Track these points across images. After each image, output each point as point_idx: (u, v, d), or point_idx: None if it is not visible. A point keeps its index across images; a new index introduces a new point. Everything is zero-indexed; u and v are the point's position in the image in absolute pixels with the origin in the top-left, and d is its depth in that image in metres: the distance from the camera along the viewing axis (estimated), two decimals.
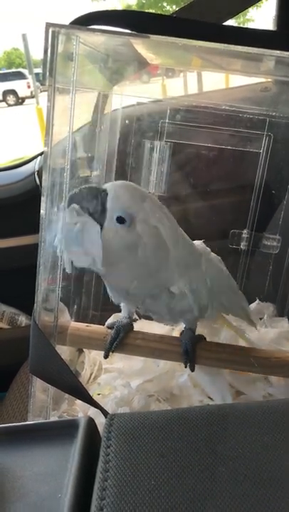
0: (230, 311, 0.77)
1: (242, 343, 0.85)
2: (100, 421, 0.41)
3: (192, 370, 0.73)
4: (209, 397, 0.79)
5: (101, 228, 0.59)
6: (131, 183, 0.65)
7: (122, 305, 0.78)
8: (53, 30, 0.54)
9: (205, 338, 0.77)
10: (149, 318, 0.99)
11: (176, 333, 0.83)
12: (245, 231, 1.01)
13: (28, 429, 0.42)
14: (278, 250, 1.00)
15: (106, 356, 0.74)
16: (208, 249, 0.75)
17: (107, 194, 0.60)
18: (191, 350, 0.73)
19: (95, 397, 0.76)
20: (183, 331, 0.76)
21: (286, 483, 0.32)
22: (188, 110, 0.94)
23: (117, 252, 0.61)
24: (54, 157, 0.61)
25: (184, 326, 0.77)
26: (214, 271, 0.72)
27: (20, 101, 13.14)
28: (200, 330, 0.78)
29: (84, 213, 0.59)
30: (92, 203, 0.59)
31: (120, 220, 0.59)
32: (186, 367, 0.73)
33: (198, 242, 0.75)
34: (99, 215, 0.60)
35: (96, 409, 0.62)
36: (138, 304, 0.71)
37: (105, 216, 0.60)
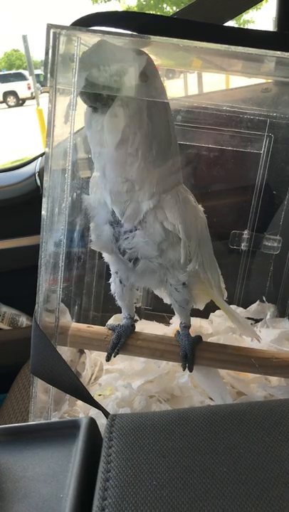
0: (208, 270, 0.73)
1: (242, 343, 0.85)
2: (101, 422, 0.41)
3: (190, 371, 0.74)
4: (210, 398, 0.79)
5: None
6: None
7: (121, 304, 0.78)
8: (54, 31, 0.54)
9: (202, 338, 0.77)
10: (149, 318, 0.99)
11: (172, 333, 0.83)
12: (245, 232, 1.01)
13: (30, 429, 0.42)
14: (279, 251, 1.00)
15: (108, 360, 0.74)
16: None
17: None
18: (191, 355, 0.73)
19: (96, 398, 0.76)
20: (178, 331, 0.77)
21: (287, 483, 0.32)
22: (188, 111, 0.94)
23: (137, 115, 0.59)
24: (55, 158, 0.61)
25: (180, 322, 0.77)
26: (203, 220, 0.71)
27: (20, 102, 13.15)
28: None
29: None
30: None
31: (144, 77, 0.58)
32: (184, 369, 0.74)
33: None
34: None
35: (97, 410, 0.62)
36: (132, 220, 0.65)
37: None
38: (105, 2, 10.51)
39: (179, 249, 0.66)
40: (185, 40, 0.55)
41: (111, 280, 0.77)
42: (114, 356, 0.74)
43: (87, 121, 0.61)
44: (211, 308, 0.83)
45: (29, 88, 12.19)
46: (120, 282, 0.75)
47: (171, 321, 0.97)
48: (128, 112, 0.58)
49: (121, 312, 0.79)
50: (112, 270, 0.75)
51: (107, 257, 0.74)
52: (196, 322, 0.94)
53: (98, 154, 0.62)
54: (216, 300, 0.79)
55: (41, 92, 8.21)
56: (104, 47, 0.56)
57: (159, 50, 0.67)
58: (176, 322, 0.95)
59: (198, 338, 0.77)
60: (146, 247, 0.66)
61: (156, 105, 0.61)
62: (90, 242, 0.71)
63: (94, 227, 0.70)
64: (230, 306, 1.03)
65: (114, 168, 0.62)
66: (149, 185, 0.63)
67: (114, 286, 0.77)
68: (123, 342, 0.74)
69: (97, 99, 0.57)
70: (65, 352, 0.83)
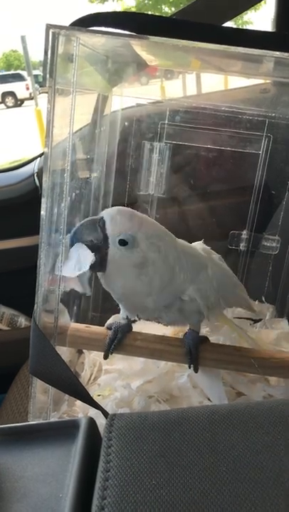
0: (234, 304, 0.79)
1: (242, 343, 0.84)
2: (100, 422, 0.41)
3: (196, 370, 0.73)
4: (209, 399, 0.79)
5: (106, 254, 0.64)
6: (124, 208, 0.68)
7: (120, 306, 0.78)
8: (53, 31, 0.54)
9: (208, 340, 0.77)
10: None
11: (180, 335, 0.83)
12: (244, 232, 1.01)
13: (29, 429, 0.42)
14: (278, 251, 1.00)
15: (106, 357, 0.74)
16: (209, 248, 0.76)
17: (104, 222, 0.64)
18: (195, 351, 0.73)
19: (95, 398, 0.76)
20: (186, 332, 0.77)
21: (286, 482, 0.32)
22: (187, 111, 0.94)
23: (128, 273, 0.65)
24: (54, 158, 0.61)
25: (188, 327, 0.77)
26: (218, 270, 0.74)
27: (19, 103, 13.13)
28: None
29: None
30: (93, 235, 0.64)
31: (122, 242, 0.63)
32: (189, 367, 0.73)
33: (198, 243, 0.75)
34: (103, 243, 0.64)
35: (96, 410, 0.62)
36: (153, 315, 0.73)
37: (108, 242, 0.63)
38: (102, 3, 10.51)
39: (196, 306, 0.71)
40: (184, 41, 0.55)
41: None
42: (112, 353, 0.74)
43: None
44: None
45: (27, 89, 12.17)
46: None
47: None
48: (121, 275, 0.66)
49: (120, 312, 0.79)
50: None
51: None
52: None
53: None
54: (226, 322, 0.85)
55: (40, 93, 8.20)
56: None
57: (158, 51, 0.68)
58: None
59: (205, 338, 0.77)
60: (164, 314, 0.72)
61: (149, 257, 0.65)
62: None
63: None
64: None
65: (124, 304, 0.73)
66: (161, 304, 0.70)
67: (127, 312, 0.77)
68: (120, 338, 0.74)
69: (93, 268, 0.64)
70: (64, 352, 0.83)
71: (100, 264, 0.64)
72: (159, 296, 0.68)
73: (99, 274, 0.67)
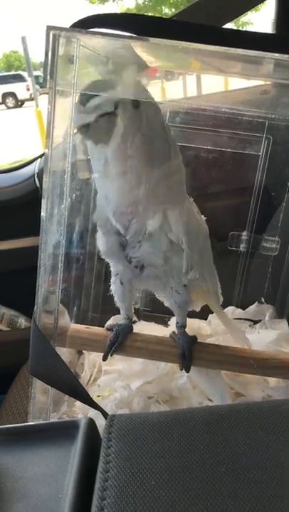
0: (208, 278, 0.75)
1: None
2: (100, 422, 0.41)
3: (187, 371, 0.74)
4: (209, 399, 0.79)
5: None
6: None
7: (121, 305, 0.78)
8: (53, 33, 0.54)
9: (197, 339, 0.77)
10: (147, 319, 0.99)
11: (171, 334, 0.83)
12: (244, 233, 1.01)
13: (29, 430, 0.42)
14: (277, 252, 1.00)
15: (105, 359, 0.74)
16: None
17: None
18: (188, 353, 0.74)
19: (95, 399, 0.76)
20: (173, 332, 0.77)
21: (286, 483, 0.32)
22: (187, 113, 0.94)
23: (135, 140, 0.59)
24: (54, 159, 0.61)
25: (176, 322, 0.77)
26: (205, 231, 0.73)
27: (19, 103, 13.13)
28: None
29: None
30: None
31: (136, 103, 0.59)
32: (181, 369, 0.74)
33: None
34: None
35: (96, 411, 0.62)
36: (137, 237, 0.67)
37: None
38: (102, 4, 10.52)
39: (182, 257, 0.68)
40: (184, 42, 0.55)
41: (111, 281, 0.77)
42: (111, 355, 0.74)
43: (89, 151, 0.62)
44: (209, 309, 0.83)
45: (28, 89, 12.17)
46: (121, 283, 0.75)
47: (169, 322, 0.98)
48: (128, 144, 0.59)
49: (120, 313, 0.79)
50: (113, 271, 0.76)
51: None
52: (194, 323, 0.94)
53: (101, 181, 0.64)
54: (211, 305, 0.81)
55: (40, 94, 8.21)
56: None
57: (158, 52, 0.68)
58: (174, 323, 0.96)
59: (195, 338, 0.77)
60: (153, 256, 0.68)
61: (155, 127, 0.62)
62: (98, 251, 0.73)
63: (100, 236, 0.71)
64: (229, 307, 1.03)
65: (117, 194, 0.64)
66: (153, 205, 0.65)
67: (114, 287, 0.77)
68: (121, 341, 0.74)
69: (96, 132, 0.59)
70: (64, 353, 0.83)
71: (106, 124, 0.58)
72: (145, 199, 0.63)
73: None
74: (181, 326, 0.77)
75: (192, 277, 0.70)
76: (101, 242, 0.70)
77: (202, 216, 0.74)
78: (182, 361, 0.74)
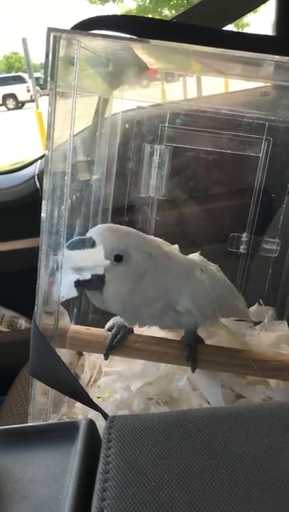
0: (232, 315, 0.79)
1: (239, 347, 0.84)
2: (100, 424, 0.41)
3: (193, 369, 0.74)
4: (208, 402, 0.79)
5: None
6: (109, 224, 0.70)
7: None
8: (54, 34, 0.54)
9: (204, 341, 0.77)
10: None
11: (171, 336, 0.83)
12: (244, 234, 1.01)
13: (29, 431, 0.42)
14: (277, 254, 1.00)
15: (107, 354, 0.74)
16: (205, 259, 0.77)
17: (94, 241, 0.63)
18: (194, 346, 0.74)
19: (95, 401, 0.76)
20: (183, 335, 0.77)
21: (285, 484, 0.32)
22: (188, 114, 0.94)
23: (126, 288, 0.65)
24: (55, 161, 0.61)
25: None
26: (215, 281, 0.74)
27: (20, 105, 13.14)
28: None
29: None
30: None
31: (118, 258, 0.63)
32: (188, 360, 0.74)
33: (194, 255, 0.76)
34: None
35: (96, 412, 0.62)
36: (152, 324, 0.73)
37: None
38: (103, 4, 10.54)
39: (192, 317, 0.71)
40: (184, 44, 0.56)
41: None
42: (113, 350, 0.74)
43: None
44: None
45: (28, 91, 12.17)
46: None
47: None
48: (118, 292, 0.65)
49: None
50: None
51: None
52: None
53: None
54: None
55: (40, 95, 8.21)
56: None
57: (159, 54, 0.68)
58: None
59: (201, 339, 0.77)
60: (160, 321, 0.73)
61: (143, 269, 0.66)
62: None
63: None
64: None
65: (125, 316, 0.72)
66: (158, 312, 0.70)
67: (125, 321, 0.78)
68: (123, 334, 0.74)
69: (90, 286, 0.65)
70: (64, 354, 0.83)
71: (96, 285, 0.64)
72: (155, 307, 0.68)
73: (91, 296, 0.67)
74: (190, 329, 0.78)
75: (210, 323, 0.76)
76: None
77: (211, 267, 0.77)
78: (187, 355, 0.74)
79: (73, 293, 0.65)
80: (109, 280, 0.64)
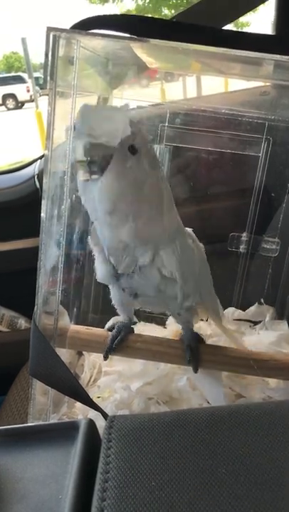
0: (208, 301, 0.76)
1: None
2: (100, 424, 0.41)
3: (195, 370, 0.73)
4: (208, 402, 0.79)
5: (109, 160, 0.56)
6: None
7: (119, 309, 0.78)
8: (53, 34, 0.54)
9: (204, 341, 0.77)
10: (147, 320, 1.00)
11: (171, 336, 0.83)
12: (244, 234, 1.01)
13: (29, 431, 0.42)
14: (277, 253, 1.00)
15: (106, 355, 0.74)
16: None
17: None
18: (195, 345, 0.74)
19: (95, 400, 0.76)
20: (181, 333, 0.77)
21: (285, 484, 0.32)
22: (187, 114, 0.94)
23: (125, 187, 0.58)
24: (55, 160, 0.61)
25: (182, 328, 0.77)
26: (200, 257, 0.73)
27: (19, 105, 13.14)
28: None
29: None
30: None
31: (133, 150, 0.57)
32: (189, 362, 0.73)
33: (188, 229, 0.74)
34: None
35: (96, 412, 0.62)
36: (128, 270, 0.66)
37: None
38: (102, 4, 10.54)
39: (176, 289, 0.68)
40: (184, 44, 0.55)
41: (110, 287, 0.77)
42: (113, 351, 0.73)
43: (80, 189, 0.60)
44: None
45: (28, 91, 12.17)
46: (123, 291, 0.74)
47: (167, 323, 0.98)
48: (118, 184, 0.57)
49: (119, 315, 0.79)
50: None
51: None
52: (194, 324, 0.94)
53: (93, 217, 0.63)
54: (212, 319, 0.83)
55: (40, 95, 8.21)
56: (92, 114, 0.55)
57: (158, 54, 0.68)
58: (171, 324, 0.96)
59: (201, 338, 0.77)
60: (144, 288, 0.68)
61: (148, 175, 0.60)
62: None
63: (96, 263, 0.71)
64: (229, 308, 1.03)
65: (108, 231, 0.63)
66: (143, 244, 0.64)
67: (113, 296, 0.77)
68: (123, 336, 0.74)
69: (92, 167, 0.56)
70: (64, 354, 0.83)
71: (100, 164, 0.56)
72: (138, 251, 0.64)
73: (83, 187, 0.59)
74: (189, 328, 0.77)
75: (188, 305, 0.71)
76: (97, 269, 0.71)
77: (200, 244, 0.74)
78: (188, 356, 0.73)
79: None
80: (113, 167, 0.56)
